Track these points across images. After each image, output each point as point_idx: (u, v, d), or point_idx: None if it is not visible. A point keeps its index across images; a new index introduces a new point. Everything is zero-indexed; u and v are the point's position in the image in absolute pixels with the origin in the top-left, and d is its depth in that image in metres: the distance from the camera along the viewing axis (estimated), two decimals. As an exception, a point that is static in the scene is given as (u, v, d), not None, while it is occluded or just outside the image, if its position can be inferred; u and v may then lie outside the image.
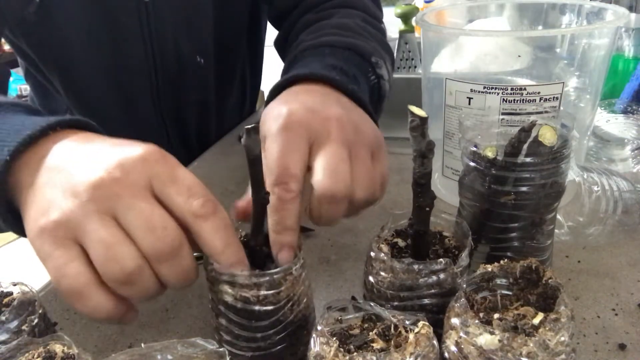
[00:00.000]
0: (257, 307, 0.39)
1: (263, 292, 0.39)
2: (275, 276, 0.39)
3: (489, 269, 0.39)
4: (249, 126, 0.35)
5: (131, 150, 0.37)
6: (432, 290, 0.40)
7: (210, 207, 0.36)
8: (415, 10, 1.52)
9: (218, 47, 0.83)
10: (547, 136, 0.40)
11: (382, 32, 0.72)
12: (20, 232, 0.39)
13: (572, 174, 0.56)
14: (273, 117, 0.43)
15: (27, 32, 0.65)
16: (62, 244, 0.35)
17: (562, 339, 0.32)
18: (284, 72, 0.61)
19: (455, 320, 0.34)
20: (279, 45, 0.82)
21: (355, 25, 0.66)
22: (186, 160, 0.88)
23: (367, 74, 0.58)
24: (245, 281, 0.38)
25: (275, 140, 0.42)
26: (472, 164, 0.44)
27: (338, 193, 0.41)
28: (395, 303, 0.40)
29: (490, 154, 0.43)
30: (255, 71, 1.01)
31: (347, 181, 0.41)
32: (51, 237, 0.35)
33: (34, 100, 0.86)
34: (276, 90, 0.52)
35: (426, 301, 0.40)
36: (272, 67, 0.91)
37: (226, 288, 0.39)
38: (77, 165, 0.36)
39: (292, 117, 0.42)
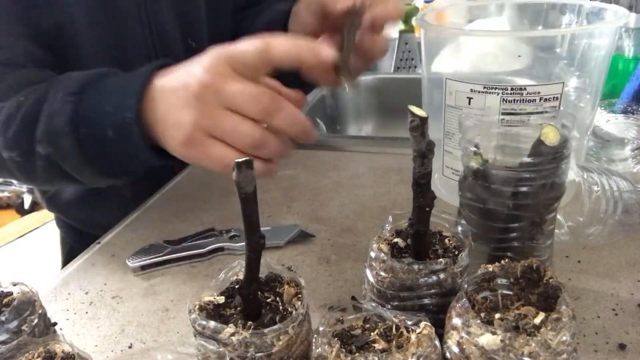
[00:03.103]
0: None
1: (251, 353, 0.34)
2: (267, 335, 0.35)
3: (490, 269, 0.39)
4: (240, 160, 0.32)
5: (202, 59, 0.48)
6: (432, 290, 0.40)
7: (275, 104, 0.47)
8: (415, 10, 1.52)
9: (211, 32, 0.84)
10: (550, 136, 0.40)
11: None
12: (160, 159, 0.53)
13: (572, 174, 0.56)
14: None
15: (35, 16, 0.65)
16: (204, 144, 0.47)
17: (564, 338, 0.32)
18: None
19: (456, 321, 0.34)
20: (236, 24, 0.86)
21: None
22: None
23: None
24: (231, 339, 0.34)
25: None
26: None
27: None
28: (396, 303, 0.40)
29: (474, 163, 0.43)
30: None
31: None
32: (194, 144, 0.47)
33: None
34: None
35: (426, 301, 0.40)
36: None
37: (209, 343, 0.35)
38: (177, 88, 0.48)
39: None
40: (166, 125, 0.49)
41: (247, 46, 0.47)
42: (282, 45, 0.47)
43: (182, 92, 0.47)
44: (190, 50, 0.81)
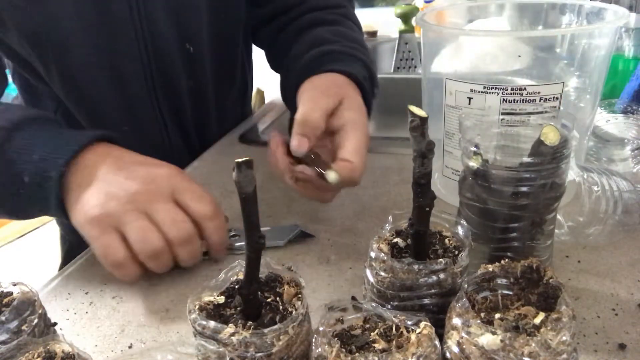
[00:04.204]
0: None
1: (251, 353, 0.35)
2: (267, 335, 0.35)
3: (490, 269, 0.39)
4: (240, 160, 0.32)
5: (158, 168, 0.52)
6: (432, 290, 0.40)
7: (215, 211, 0.52)
8: (415, 10, 1.52)
9: (214, 37, 0.83)
10: (550, 136, 0.40)
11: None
12: (62, 215, 0.53)
13: (572, 174, 0.56)
14: (359, 111, 0.59)
15: (18, 21, 0.65)
16: (106, 231, 0.49)
17: (564, 338, 0.32)
18: (317, 60, 0.69)
19: (456, 321, 0.34)
20: (268, 38, 0.88)
21: (365, 45, 0.77)
22: (186, 154, 0.87)
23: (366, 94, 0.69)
24: (231, 339, 0.35)
25: (360, 133, 0.56)
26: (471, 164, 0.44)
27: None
28: (396, 303, 0.40)
29: (474, 163, 0.43)
30: (249, 68, 1.02)
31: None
32: (98, 225, 0.49)
33: (22, 102, 0.85)
34: (323, 69, 0.64)
35: (426, 301, 0.40)
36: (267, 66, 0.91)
37: (209, 343, 0.35)
38: (117, 177, 0.51)
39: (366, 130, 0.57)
40: (82, 197, 0.50)
41: (199, 200, 0.52)
42: (214, 232, 0.53)
43: (117, 183, 0.50)
44: (188, 55, 0.80)
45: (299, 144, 0.52)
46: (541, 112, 0.56)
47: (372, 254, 0.42)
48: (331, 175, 0.50)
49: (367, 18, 1.79)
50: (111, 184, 0.50)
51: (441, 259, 0.40)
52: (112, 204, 0.49)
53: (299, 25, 0.81)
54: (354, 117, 0.57)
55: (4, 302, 0.41)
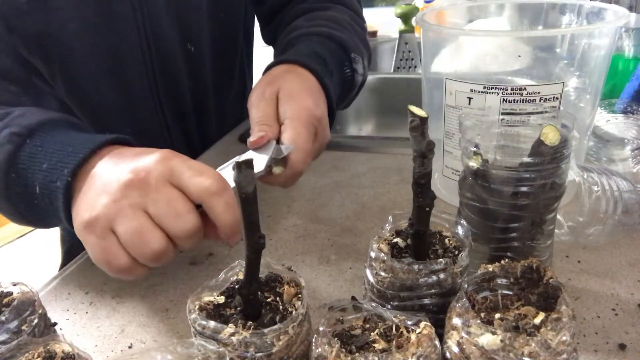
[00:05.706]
0: None
1: (251, 353, 0.35)
2: (267, 335, 0.35)
3: (490, 269, 0.39)
4: (240, 160, 0.32)
5: (150, 154, 0.46)
6: (432, 290, 0.40)
7: (222, 185, 0.44)
8: (415, 10, 1.52)
9: (214, 37, 0.84)
10: (550, 136, 0.40)
11: (365, 30, 0.86)
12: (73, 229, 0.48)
13: (572, 174, 0.56)
14: (292, 100, 0.56)
15: (21, 22, 0.65)
16: (101, 235, 0.43)
17: (564, 338, 0.32)
18: (277, 54, 0.72)
19: (456, 321, 0.34)
20: (271, 35, 0.90)
21: (344, 20, 0.78)
22: (188, 154, 0.88)
23: (343, 66, 0.70)
24: (231, 339, 0.35)
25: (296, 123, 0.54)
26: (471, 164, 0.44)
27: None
28: (396, 303, 0.40)
29: (474, 163, 0.43)
30: (250, 68, 1.02)
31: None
32: (91, 230, 0.44)
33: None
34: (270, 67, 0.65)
35: (426, 301, 0.40)
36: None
37: (209, 343, 0.35)
38: (109, 171, 0.46)
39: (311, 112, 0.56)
40: (78, 202, 0.47)
41: (200, 175, 0.44)
42: (223, 210, 0.44)
43: (108, 180, 0.45)
44: (189, 55, 0.81)
45: (257, 139, 0.53)
46: (541, 112, 0.56)
47: (372, 254, 0.42)
48: (276, 170, 0.53)
49: (367, 18, 1.79)
50: (103, 180, 0.45)
51: (441, 259, 0.40)
52: (102, 202, 0.43)
53: (289, 18, 0.82)
54: (288, 109, 0.56)
55: (4, 302, 0.41)
